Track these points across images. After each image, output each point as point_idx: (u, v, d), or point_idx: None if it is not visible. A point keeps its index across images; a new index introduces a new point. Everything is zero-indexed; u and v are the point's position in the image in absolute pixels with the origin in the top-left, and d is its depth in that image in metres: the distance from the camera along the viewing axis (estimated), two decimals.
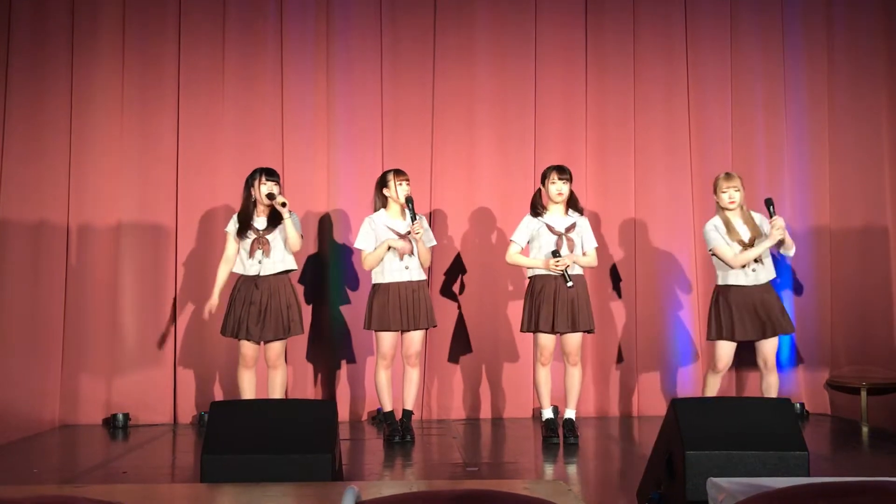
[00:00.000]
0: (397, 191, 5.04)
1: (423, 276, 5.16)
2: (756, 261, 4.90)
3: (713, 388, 5.01)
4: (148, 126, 5.97)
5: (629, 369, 6.18)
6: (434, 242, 5.28)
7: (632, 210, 6.25)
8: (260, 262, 5.00)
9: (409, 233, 5.02)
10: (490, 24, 6.27)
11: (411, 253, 5.05)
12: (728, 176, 4.99)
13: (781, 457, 2.98)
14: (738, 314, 4.87)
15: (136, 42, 5.98)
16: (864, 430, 5.60)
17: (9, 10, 5.78)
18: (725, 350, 4.92)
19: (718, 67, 6.36)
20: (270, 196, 4.97)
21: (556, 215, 5.12)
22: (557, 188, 5.05)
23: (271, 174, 5.07)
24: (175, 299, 5.91)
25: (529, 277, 5.14)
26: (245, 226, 5.02)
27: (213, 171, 5.98)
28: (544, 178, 5.13)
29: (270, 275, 4.99)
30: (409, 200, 5.00)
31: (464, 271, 6.15)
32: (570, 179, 5.10)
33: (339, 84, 6.14)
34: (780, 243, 4.92)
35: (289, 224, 4.96)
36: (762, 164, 6.31)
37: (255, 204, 5.06)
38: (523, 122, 6.24)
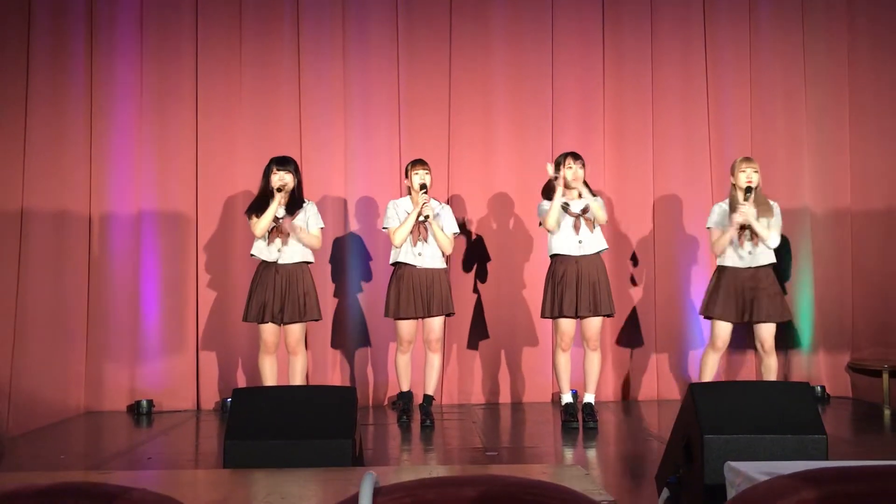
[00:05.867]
0: (412, 179, 5.13)
1: (441, 265, 5.19)
2: (753, 243, 4.92)
3: (711, 367, 5.04)
4: (166, 115, 6.00)
5: (648, 353, 6.18)
6: (456, 230, 5.30)
7: (650, 195, 6.22)
8: (279, 251, 5.04)
9: (420, 214, 5.06)
10: (506, 10, 6.24)
11: (426, 239, 5.10)
12: (746, 159, 5.08)
13: (800, 440, 2.98)
14: (723, 294, 4.95)
15: (154, 32, 6.01)
16: (886, 412, 5.57)
17: (28, 2, 5.82)
18: (721, 328, 4.99)
19: (737, 52, 6.31)
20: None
21: (572, 199, 5.13)
22: (574, 172, 5.06)
23: (282, 163, 5.09)
24: (196, 286, 5.96)
25: (551, 257, 5.14)
26: (259, 208, 5.03)
27: (231, 159, 6.02)
28: (558, 165, 5.14)
29: (289, 263, 5.04)
30: (423, 187, 5.08)
31: (482, 257, 6.16)
32: (583, 165, 5.11)
33: (355, 71, 6.15)
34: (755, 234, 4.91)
35: (298, 238, 5.02)
36: (782, 149, 6.25)
37: (271, 193, 5.07)
38: (540, 108, 6.22)
